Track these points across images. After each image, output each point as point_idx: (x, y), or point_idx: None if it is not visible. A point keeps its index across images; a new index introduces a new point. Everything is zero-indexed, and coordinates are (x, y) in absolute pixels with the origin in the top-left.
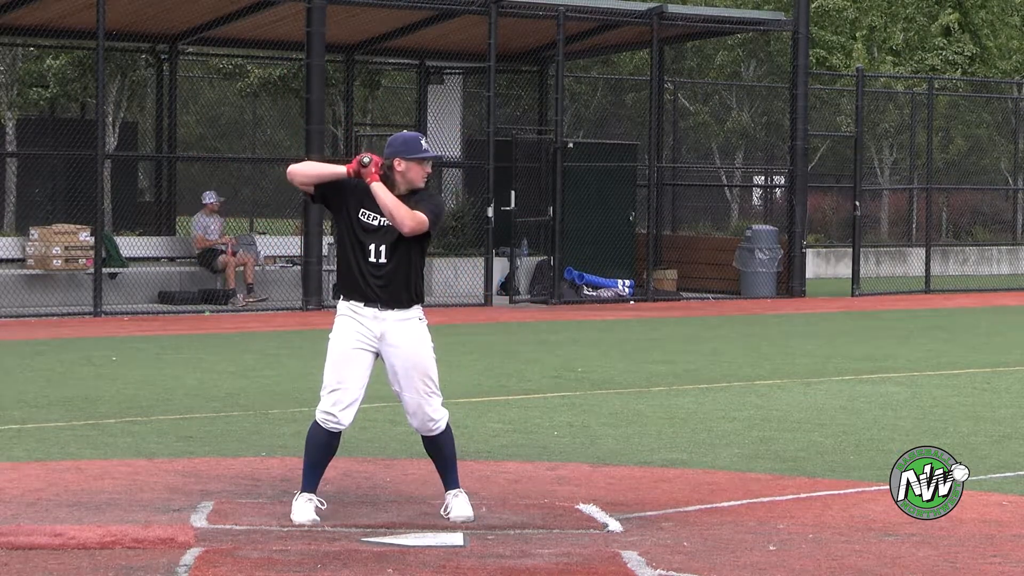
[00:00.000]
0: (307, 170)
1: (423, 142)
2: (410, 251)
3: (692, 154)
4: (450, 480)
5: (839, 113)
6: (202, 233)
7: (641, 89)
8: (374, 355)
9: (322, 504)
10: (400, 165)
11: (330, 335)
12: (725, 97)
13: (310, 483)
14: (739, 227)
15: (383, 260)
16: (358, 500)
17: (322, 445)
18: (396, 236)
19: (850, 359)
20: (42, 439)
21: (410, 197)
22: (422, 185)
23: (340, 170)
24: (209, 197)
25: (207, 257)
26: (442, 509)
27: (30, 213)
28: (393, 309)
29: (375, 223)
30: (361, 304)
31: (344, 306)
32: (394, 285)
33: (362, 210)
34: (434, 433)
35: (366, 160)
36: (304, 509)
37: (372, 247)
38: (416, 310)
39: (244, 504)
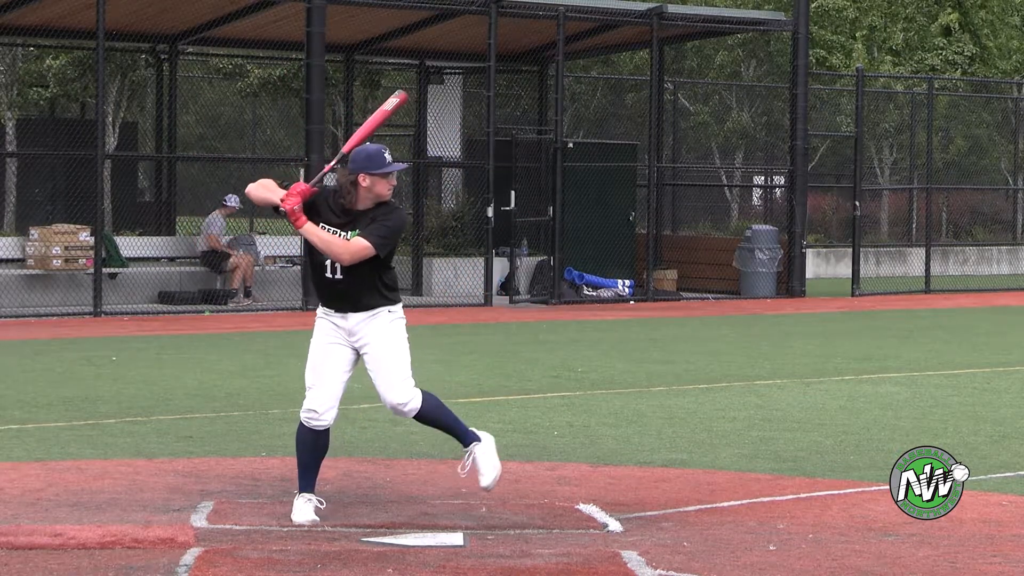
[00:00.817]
0: (254, 193)
1: (387, 155)
2: (363, 267)
3: (692, 154)
4: (462, 439)
5: (839, 113)
6: (217, 233)
7: (641, 89)
8: (351, 350)
9: (321, 504)
10: (365, 181)
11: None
12: (725, 97)
13: (307, 483)
14: (739, 227)
15: (339, 276)
16: (358, 500)
17: (310, 444)
18: None
19: (850, 359)
20: (42, 439)
21: (371, 212)
22: (388, 197)
23: (276, 200)
24: (232, 200)
25: (213, 258)
26: (459, 468)
27: (30, 213)
28: (359, 312)
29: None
30: (332, 310)
31: (320, 310)
32: (354, 296)
33: (322, 224)
34: (411, 415)
35: (282, 212)
36: (304, 509)
37: (328, 263)
38: (383, 308)
39: (244, 504)
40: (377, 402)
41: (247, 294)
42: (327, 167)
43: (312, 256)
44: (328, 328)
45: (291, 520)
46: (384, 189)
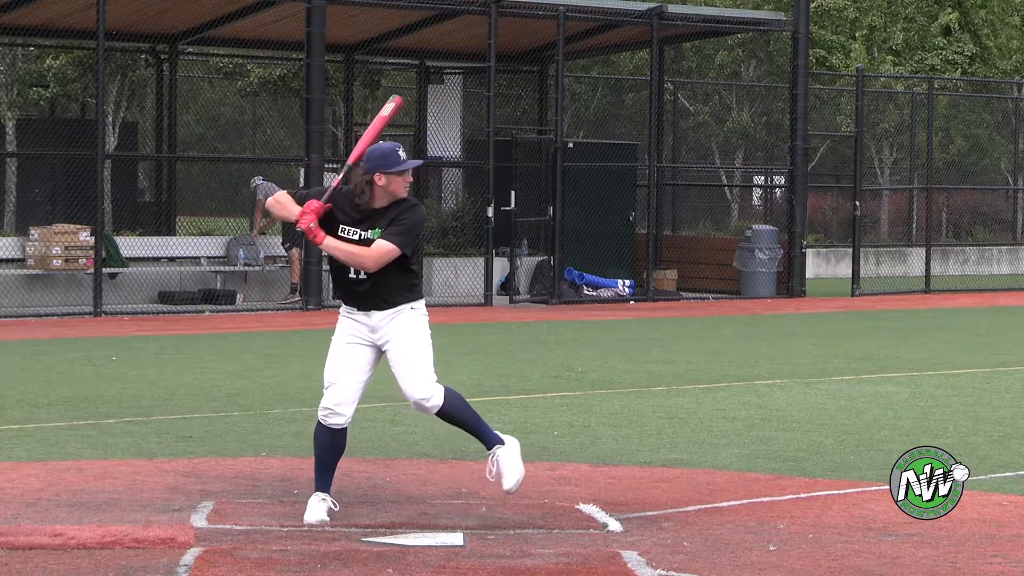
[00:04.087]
0: (272, 210)
1: (401, 153)
2: (386, 267)
3: (692, 154)
4: (485, 440)
5: (839, 113)
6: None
7: (641, 89)
8: (372, 350)
9: (335, 505)
10: (381, 180)
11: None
12: (725, 97)
13: (322, 483)
14: (739, 227)
15: (362, 276)
16: (358, 500)
17: (327, 443)
18: None
19: (850, 359)
20: (42, 439)
21: (390, 210)
22: (404, 195)
23: (292, 215)
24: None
25: (291, 231)
26: (487, 472)
27: (30, 213)
28: (382, 310)
29: (355, 238)
30: (354, 309)
31: (343, 308)
32: (376, 295)
33: (341, 226)
34: (433, 411)
35: (299, 230)
36: (316, 509)
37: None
38: (405, 305)
39: (244, 504)
40: (377, 402)
41: (293, 290)
42: (335, 181)
43: (333, 259)
44: (350, 326)
45: (303, 519)
46: (400, 187)
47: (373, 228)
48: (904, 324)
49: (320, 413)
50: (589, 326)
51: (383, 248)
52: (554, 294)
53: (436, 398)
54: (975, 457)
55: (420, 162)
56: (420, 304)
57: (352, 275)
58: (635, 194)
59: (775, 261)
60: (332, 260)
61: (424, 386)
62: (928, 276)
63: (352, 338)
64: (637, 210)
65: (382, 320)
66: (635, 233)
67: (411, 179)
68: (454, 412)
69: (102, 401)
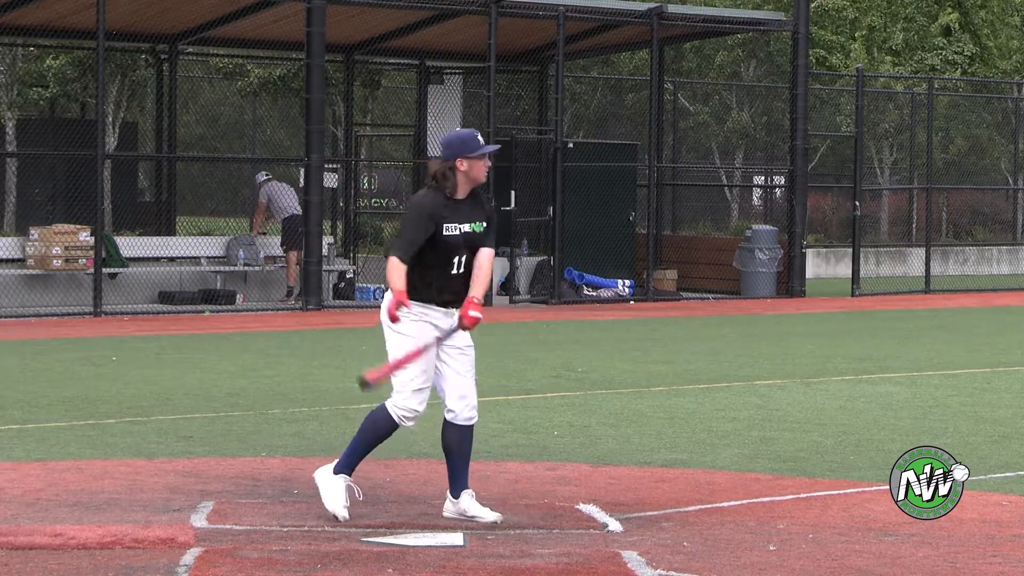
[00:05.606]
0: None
1: (479, 138)
2: (470, 259)
3: (692, 154)
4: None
5: (839, 113)
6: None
7: (641, 89)
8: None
9: (359, 494)
10: (463, 165)
11: (398, 332)
12: (725, 97)
13: (350, 467)
14: (739, 227)
15: (461, 271)
16: (358, 500)
17: (382, 436)
18: (471, 248)
19: (850, 359)
20: (42, 439)
21: (477, 200)
22: (484, 180)
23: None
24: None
25: (293, 228)
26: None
27: (30, 213)
28: (458, 307)
29: (459, 235)
30: (437, 306)
31: (418, 311)
32: (463, 290)
33: (445, 226)
34: (472, 423)
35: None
36: (340, 494)
37: (455, 260)
38: None
39: (244, 504)
40: (376, 401)
41: (289, 293)
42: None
43: (437, 254)
44: (430, 331)
45: (325, 506)
46: (480, 172)
47: (472, 222)
48: (904, 324)
49: (400, 412)
50: (589, 326)
51: (490, 254)
52: (554, 294)
53: (476, 410)
54: (975, 457)
55: (499, 146)
56: None
57: (454, 271)
58: (635, 194)
59: (775, 261)
60: (434, 259)
61: (474, 399)
62: (928, 276)
63: (432, 341)
64: (637, 210)
65: (454, 320)
66: (635, 233)
67: (489, 163)
68: (470, 438)
69: (102, 401)
